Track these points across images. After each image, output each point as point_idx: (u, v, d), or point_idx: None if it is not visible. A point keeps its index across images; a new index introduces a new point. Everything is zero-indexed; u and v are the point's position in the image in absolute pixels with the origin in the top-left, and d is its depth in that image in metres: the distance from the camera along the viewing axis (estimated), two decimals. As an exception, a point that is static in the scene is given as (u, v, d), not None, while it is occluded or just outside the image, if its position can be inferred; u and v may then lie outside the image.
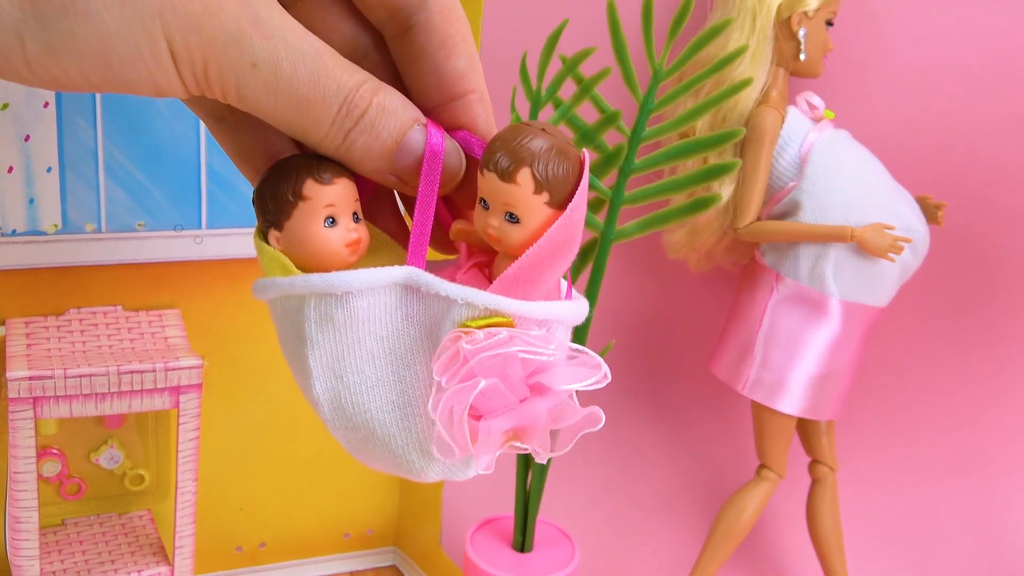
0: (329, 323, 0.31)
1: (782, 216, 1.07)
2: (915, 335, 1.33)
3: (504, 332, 0.30)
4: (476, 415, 0.30)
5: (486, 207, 0.31)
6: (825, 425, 1.15)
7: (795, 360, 1.08)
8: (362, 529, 1.22)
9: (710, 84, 1.04)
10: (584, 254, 1.02)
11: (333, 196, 0.31)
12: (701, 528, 1.21)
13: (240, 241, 1.06)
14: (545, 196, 0.30)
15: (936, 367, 1.34)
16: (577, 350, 0.31)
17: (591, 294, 1.01)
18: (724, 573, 1.27)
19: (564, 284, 0.34)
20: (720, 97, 0.96)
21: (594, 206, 1.01)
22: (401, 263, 0.32)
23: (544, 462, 0.33)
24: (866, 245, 1.00)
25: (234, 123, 0.35)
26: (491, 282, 0.32)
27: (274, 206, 0.32)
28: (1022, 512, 1.35)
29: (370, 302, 0.31)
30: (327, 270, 0.31)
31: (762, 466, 1.14)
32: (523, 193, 0.30)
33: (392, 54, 0.34)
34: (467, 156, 0.33)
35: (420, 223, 0.32)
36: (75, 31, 0.25)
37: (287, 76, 0.28)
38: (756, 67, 1.05)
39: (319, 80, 0.29)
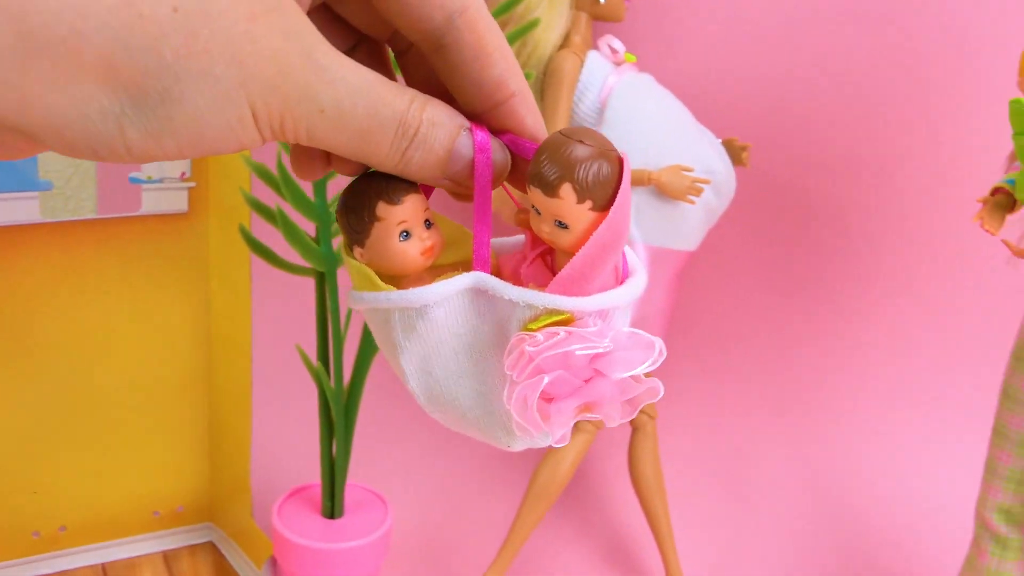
0: (413, 331, 0.35)
1: (586, 163, 1.05)
2: (728, 278, 1.34)
3: (562, 332, 0.33)
4: (548, 398, 0.34)
5: (538, 213, 0.34)
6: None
7: (606, 309, 1.07)
8: (172, 506, 1.17)
9: (506, 29, 1.01)
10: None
11: (403, 214, 0.35)
12: (522, 487, 1.19)
13: (6, 207, 0.98)
14: (588, 203, 0.33)
15: (751, 309, 1.36)
16: (633, 332, 0.34)
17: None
18: (549, 525, 1.27)
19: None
20: (509, 39, 0.93)
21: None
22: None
23: (615, 425, 0.34)
24: (664, 188, 0.99)
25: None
26: (554, 273, 0.35)
27: (354, 226, 0.35)
28: (842, 448, 1.39)
29: (446, 310, 0.35)
30: (407, 275, 0.36)
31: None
32: (567, 205, 0.33)
33: (433, 68, 0.36)
34: (515, 155, 0.36)
35: (480, 225, 0.35)
36: (172, 116, 0.29)
37: (349, 114, 0.32)
38: (554, 11, 1.01)
39: (376, 110, 0.32)
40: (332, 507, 1.05)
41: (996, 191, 0.91)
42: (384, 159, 0.33)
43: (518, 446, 0.36)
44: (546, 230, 0.33)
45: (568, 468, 1.11)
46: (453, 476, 1.35)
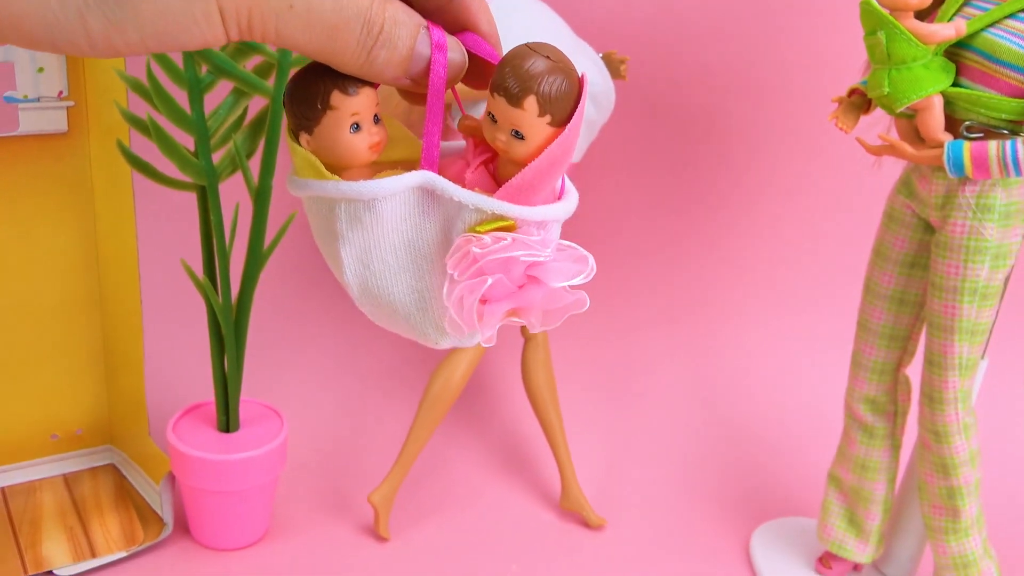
0: (358, 223, 0.35)
1: (467, 77, 1.06)
2: (613, 191, 1.37)
3: (508, 237, 0.34)
4: (482, 300, 0.35)
5: (494, 121, 0.35)
6: (533, 285, 1.18)
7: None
8: (71, 429, 1.17)
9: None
10: (257, 124, 0.99)
11: (357, 105, 0.35)
12: (417, 401, 1.22)
13: None
14: (548, 118, 0.34)
15: (636, 222, 1.39)
16: (567, 245, 0.36)
17: (268, 162, 0.98)
18: (445, 434, 1.30)
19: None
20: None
21: (263, 71, 0.98)
22: (416, 152, 0.36)
23: (536, 331, 0.36)
24: (540, 99, 1.01)
25: None
26: (496, 181, 0.36)
27: (305, 113, 0.35)
28: (727, 355, 1.44)
29: (393, 205, 0.35)
30: (351, 168, 0.36)
31: (471, 329, 1.16)
32: (529, 117, 0.34)
33: None
34: (472, 55, 0.36)
35: (431, 125, 0.35)
36: (137, 7, 0.29)
37: (318, 9, 0.31)
38: None
39: (342, 6, 0.32)
40: (227, 422, 1.06)
41: (852, 92, 0.96)
42: (351, 58, 0.33)
43: (445, 344, 0.38)
44: (501, 139, 0.35)
45: (461, 376, 1.14)
46: (348, 391, 1.38)
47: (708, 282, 1.42)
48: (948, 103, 0.87)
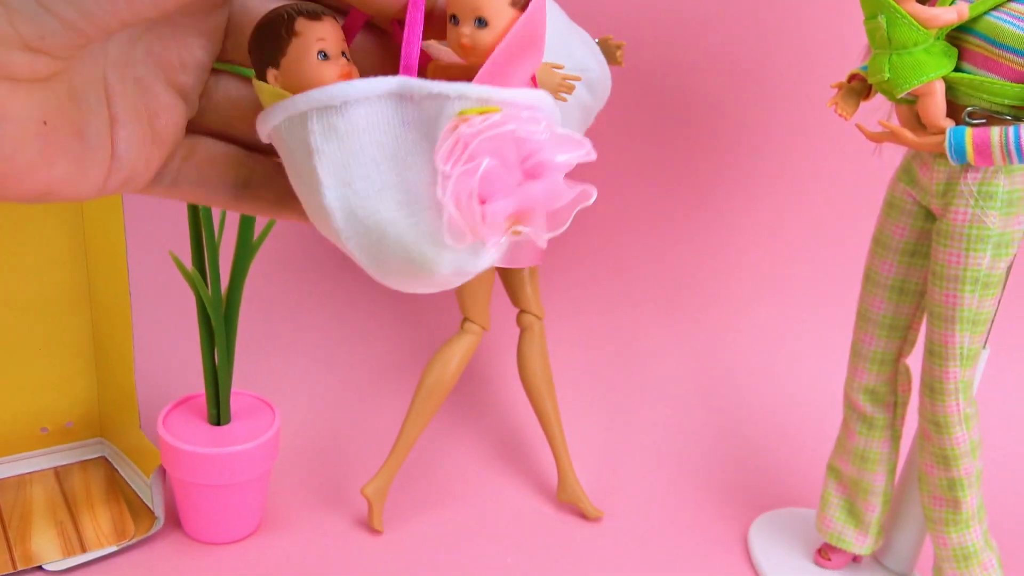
0: (333, 132, 0.33)
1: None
2: (609, 178, 1.35)
3: (498, 115, 0.32)
4: (481, 200, 0.32)
5: (456, 22, 0.33)
6: (528, 274, 1.16)
7: (487, 210, 1.07)
8: (61, 422, 1.16)
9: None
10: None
11: (323, 31, 0.33)
12: (411, 392, 1.21)
13: None
14: None
15: (632, 208, 1.38)
16: (562, 131, 0.34)
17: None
18: (440, 426, 1.29)
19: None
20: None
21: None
22: None
23: (544, 245, 0.33)
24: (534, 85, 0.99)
25: (262, 177, 0.36)
26: None
27: (270, 45, 0.33)
28: (725, 341, 1.43)
29: (367, 110, 0.33)
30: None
31: (465, 319, 1.14)
32: None
33: None
34: None
35: (410, 33, 0.34)
36: None
37: None
38: None
39: None
40: (218, 414, 1.05)
41: (852, 77, 0.94)
42: None
43: (446, 264, 0.34)
44: (466, 32, 0.33)
45: (456, 367, 1.13)
46: (342, 382, 1.36)
47: (707, 271, 1.41)
48: (950, 88, 0.85)
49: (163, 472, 1.07)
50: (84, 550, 1.01)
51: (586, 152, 0.33)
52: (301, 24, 0.33)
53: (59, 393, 1.15)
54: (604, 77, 1.07)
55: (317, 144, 0.33)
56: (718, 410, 1.38)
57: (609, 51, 1.10)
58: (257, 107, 0.36)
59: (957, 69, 0.85)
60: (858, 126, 0.92)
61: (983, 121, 0.85)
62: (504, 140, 0.32)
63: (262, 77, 0.34)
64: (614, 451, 1.30)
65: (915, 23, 0.81)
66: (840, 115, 0.92)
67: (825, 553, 1.10)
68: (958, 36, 0.85)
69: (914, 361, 1.02)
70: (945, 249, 0.91)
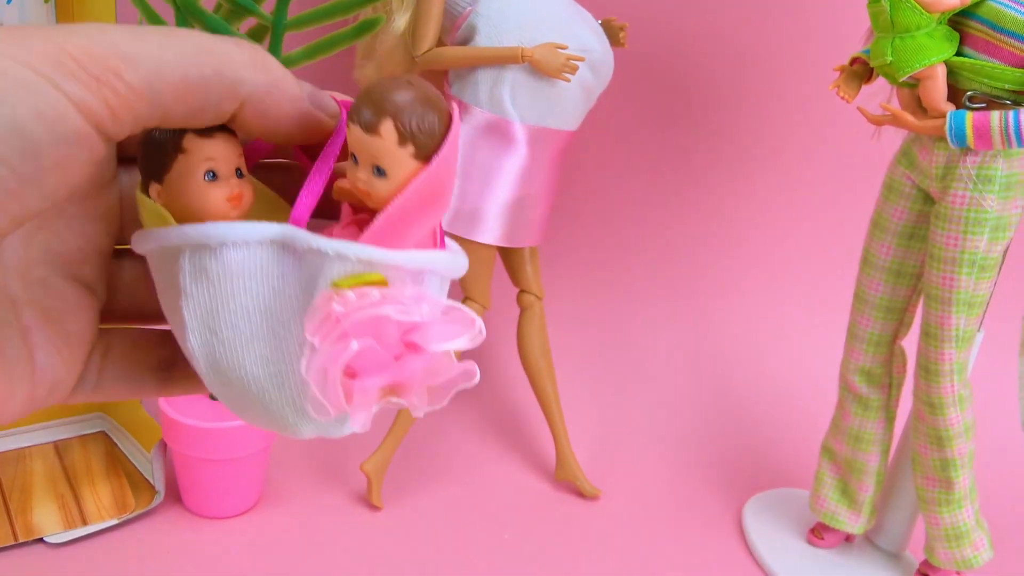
0: (203, 275, 0.30)
1: (464, 42, 1.05)
2: (611, 160, 1.36)
3: (376, 292, 0.29)
4: (351, 373, 0.29)
5: (356, 162, 0.31)
6: (528, 254, 1.17)
7: (488, 189, 1.08)
8: (61, 397, 1.16)
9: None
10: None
11: (213, 150, 0.30)
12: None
13: None
14: (410, 148, 0.30)
15: (634, 191, 1.38)
16: (451, 306, 0.31)
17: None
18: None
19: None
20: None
21: (257, 34, 0.96)
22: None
23: (421, 416, 0.31)
24: (538, 65, 1.00)
25: (183, 370, 0.32)
26: None
27: (155, 159, 0.30)
28: (723, 323, 1.44)
29: (244, 255, 0.30)
30: (200, 213, 0.31)
31: (465, 298, 1.15)
32: (387, 145, 0.30)
33: None
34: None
35: (315, 176, 0.31)
36: None
37: (150, 31, 0.25)
38: None
39: (176, 32, 0.26)
40: (219, 389, 1.06)
41: (854, 61, 0.94)
42: (239, 59, 0.27)
43: (307, 431, 0.32)
44: (362, 178, 0.31)
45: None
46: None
47: (705, 252, 1.42)
48: (951, 73, 0.86)
49: (163, 447, 1.08)
50: (85, 523, 1.02)
51: (472, 336, 0.31)
52: (190, 140, 0.30)
53: (59, 367, 1.15)
54: (607, 58, 1.08)
55: (185, 285, 0.30)
56: (715, 390, 1.39)
57: (612, 32, 1.10)
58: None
59: (958, 53, 0.86)
60: (859, 109, 0.93)
61: (983, 105, 0.86)
62: (382, 318, 0.29)
63: (145, 191, 0.31)
64: (612, 430, 1.31)
65: (918, 7, 0.82)
66: (842, 98, 0.92)
67: (818, 532, 1.12)
68: (960, 20, 0.85)
69: (909, 343, 1.03)
70: (943, 232, 0.92)
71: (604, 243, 1.40)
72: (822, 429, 1.14)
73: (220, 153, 0.31)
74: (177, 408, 1.03)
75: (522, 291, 1.18)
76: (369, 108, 0.30)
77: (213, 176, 0.31)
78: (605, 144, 1.33)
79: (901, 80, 0.87)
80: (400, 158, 0.30)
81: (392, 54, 1.07)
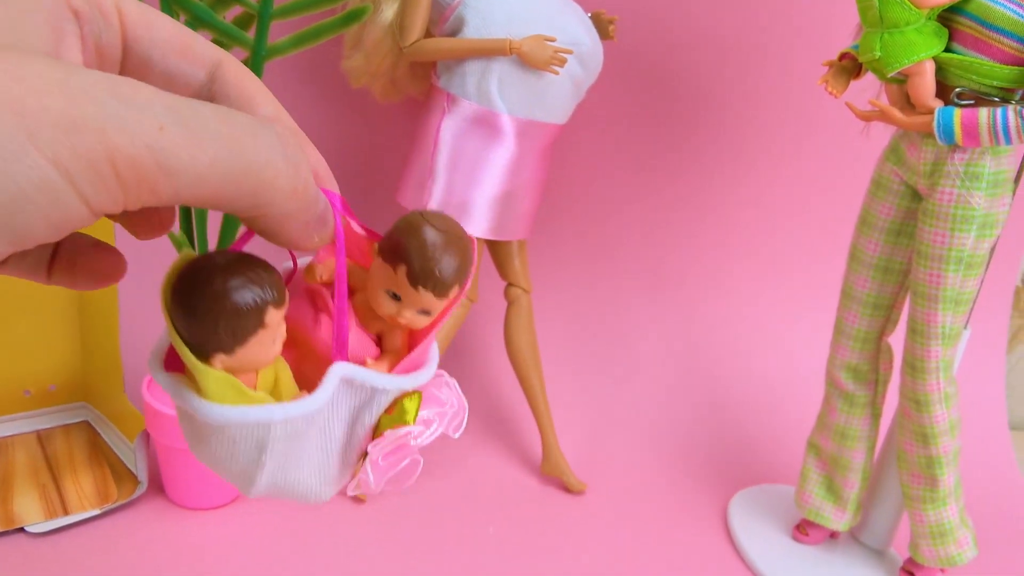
0: (294, 434, 0.32)
1: (452, 34, 1.04)
2: (600, 153, 1.36)
3: (435, 421, 0.37)
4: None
5: (397, 299, 0.34)
6: (516, 247, 1.16)
7: (476, 181, 1.07)
8: (44, 385, 1.16)
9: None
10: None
11: (283, 315, 0.31)
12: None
13: None
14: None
15: (623, 185, 1.38)
16: (444, 410, 0.38)
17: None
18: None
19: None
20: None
21: (243, 22, 0.95)
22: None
23: (372, 491, 0.37)
24: (526, 57, 0.99)
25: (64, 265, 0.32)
26: (377, 342, 0.36)
27: (230, 333, 0.29)
28: (710, 318, 1.44)
29: (326, 412, 0.34)
30: (258, 369, 0.32)
31: (452, 290, 1.14)
32: (444, 301, 0.35)
33: None
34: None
35: (339, 310, 0.33)
36: None
37: (197, 120, 0.23)
38: None
39: (226, 114, 0.24)
40: (203, 379, 1.05)
41: (843, 56, 0.94)
42: (278, 179, 0.25)
43: (325, 500, 0.37)
44: (408, 315, 0.35)
45: (443, 339, 1.13)
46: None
47: (693, 247, 1.41)
48: (940, 69, 0.86)
49: (146, 437, 1.07)
50: (66, 512, 1.01)
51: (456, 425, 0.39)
52: (271, 315, 0.30)
53: (43, 356, 1.14)
54: (596, 51, 1.08)
55: (272, 445, 0.31)
56: (701, 386, 1.39)
57: (602, 25, 1.10)
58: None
59: (947, 50, 0.85)
60: (848, 104, 0.92)
61: (971, 102, 0.85)
62: (408, 447, 0.36)
63: (204, 358, 0.30)
64: (598, 425, 1.31)
65: (907, 2, 0.82)
66: (830, 93, 0.92)
67: (803, 529, 1.12)
68: (949, 17, 0.85)
69: (896, 340, 1.03)
70: (930, 229, 0.91)
71: (592, 237, 1.39)
72: (808, 425, 1.14)
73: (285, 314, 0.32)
74: (160, 398, 1.02)
75: (510, 284, 1.18)
76: (440, 280, 0.34)
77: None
78: (594, 138, 1.33)
79: (890, 76, 0.86)
80: (440, 304, 0.35)
81: (380, 44, 1.06)
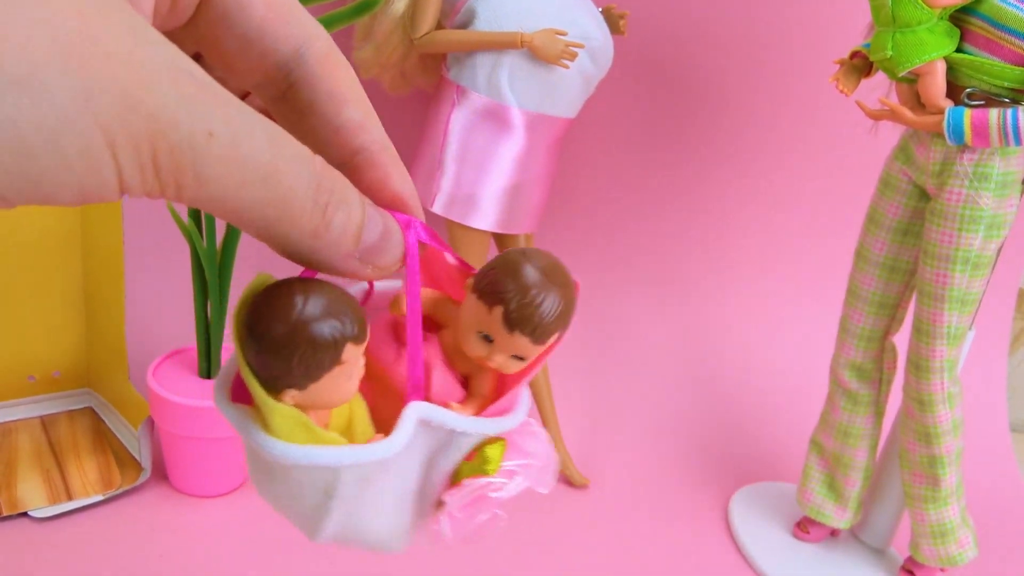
0: (364, 480, 0.30)
1: (463, 26, 1.04)
2: (609, 148, 1.36)
3: (519, 473, 0.33)
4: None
5: (490, 341, 0.32)
6: (523, 241, 1.16)
7: (485, 174, 1.07)
8: (48, 371, 1.16)
9: None
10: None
11: (362, 352, 0.29)
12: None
13: None
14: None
15: (630, 180, 1.38)
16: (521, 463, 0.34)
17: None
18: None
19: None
20: None
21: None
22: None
23: (448, 538, 0.34)
24: (537, 51, 0.99)
25: None
26: (461, 381, 0.34)
27: (303, 368, 0.28)
28: (715, 316, 1.44)
29: (400, 459, 0.31)
30: (332, 407, 0.30)
31: (459, 284, 1.14)
32: (543, 348, 0.32)
33: (277, 120, 0.28)
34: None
35: (413, 339, 0.30)
36: None
37: (247, 142, 0.22)
38: None
39: (278, 144, 0.23)
40: (208, 367, 1.05)
41: (854, 55, 0.94)
42: (301, 218, 0.25)
43: (398, 551, 0.34)
44: (499, 360, 0.32)
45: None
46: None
47: (700, 244, 1.42)
48: (951, 69, 0.86)
49: (151, 424, 1.07)
50: (70, 498, 1.01)
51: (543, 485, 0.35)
52: (349, 351, 0.28)
53: (47, 342, 1.14)
54: (607, 46, 1.08)
55: (342, 491, 0.30)
56: (705, 383, 1.39)
57: (612, 20, 1.10)
58: None
59: (959, 50, 0.85)
60: (858, 103, 0.92)
61: (982, 103, 0.86)
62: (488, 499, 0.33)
63: (274, 393, 0.29)
64: (602, 420, 1.31)
65: (920, 2, 0.82)
66: (841, 91, 0.92)
67: (804, 526, 1.12)
68: (961, 17, 0.85)
69: (901, 339, 1.03)
70: (938, 228, 0.92)
71: (599, 232, 1.39)
72: (811, 423, 1.14)
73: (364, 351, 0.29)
74: (165, 385, 1.02)
75: (515, 279, 1.17)
76: (541, 325, 0.31)
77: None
78: (603, 132, 1.33)
79: (900, 75, 0.87)
80: (536, 350, 0.32)
81: (391, 36, 1.06)
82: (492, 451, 0.33)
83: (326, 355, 0.28)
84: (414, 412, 0.30)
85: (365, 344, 0.29)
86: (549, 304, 0.31)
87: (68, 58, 0.20)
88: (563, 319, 0.32)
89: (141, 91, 0.21)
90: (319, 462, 0.29)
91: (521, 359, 0.32)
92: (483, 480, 0.32)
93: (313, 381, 0.28)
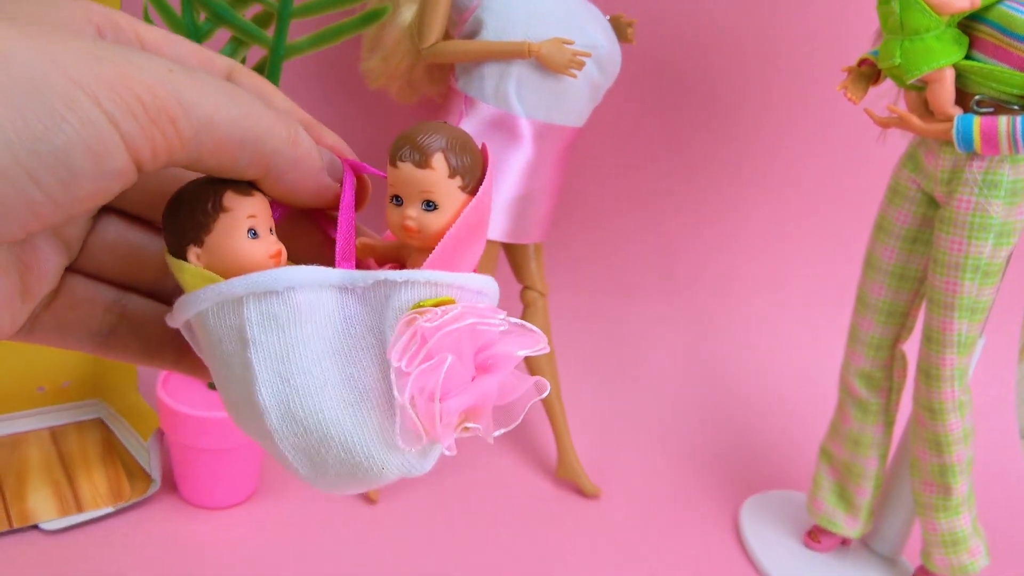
0: (272, 321, 0.30)
1: (470, 36, 1.04)
2: (617, 156, 1.36)
3: (457, 307, 0.30)
4: (433, 397, 0.30)
5: (400, 203, 0.32)
6: (533, 250, 1.16)
7: (493, 184, 1.07)
8: (57, 382, 1.16)
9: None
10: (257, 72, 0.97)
11: (253, 207, 0.31)
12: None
13: None
14: (458, 180, 0.31)
15: (639, 188, 1.38)
16: (515, 322, 0.32)
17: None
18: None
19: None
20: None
21: (263, 20, 0.96)
22: None
23: (491, 441, 0.32)
24: (545, 60, 0.99)
25: (130, 326, 0.33)
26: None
27: (193, 221, 0.30)
28: (725, 322, 1.44)
29: (311, 298, 0.30)
30: (243, 269, 0.31)
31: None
32: (439, 177, 0.31)
33: None
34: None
35: (344, 220, 0.32)
36: None
37: (202, 72, 0.27)
38: None
39: (226, 80, 0.28)
40: (217, 378, 1.05)
41: (862, 62, 0.94)
42: (278, 128, 0.29)
43: (393, 468, 0.31)
44: (412, 216, 0.31)
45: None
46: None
47: (709, 251, 1.41)
48: (959, 76, 0.86)
49: (160, 435, 1.07)
50: (80, 510, 1.01)
51: (541, 346, 0.31)
52: (230, 199, 0.30)
53: (56, 353, 1.14)
54: (614, 54, 1.08)
55: (253, 334, 0.30)
56: (716, 390, 1.39)
57: (620, 28, 1.10)
58: (137, 250, 0.33)
59: (967, 57, 0.85)
60: (866, 111, 0.92)
61: (991, 110, 0.85)
62: (463, 334, 0.30)
63: (180, 255, 0.31)
64: (613, 429, 1.31)
65: (928, 9, 0.82)
66: (849, 99, 0.92)
67: (815, 535, 1.12)
68: (970, 24, 0.85)
69: (910, 347, 1.03)
70: (947, 236, 0.91)
71: (608, 240, 1.39)
72: (821, 431, 1.14)
73: (259, 210, 0.31)
74: (175, 396, 1.03)
75: (526, 287, 1.18)
76: (417, 145, 0.31)
77: (255, 234, 0.31)
78: (611, 141, 1.33)
79: (909, 82, 0.86)
80: (450, 190, 0.31)
81: (398, 46, 1.06)
82: (436, 300, 0.31)
83: (206, 198, 0.30)
84: (333, 270, 0.31)
85: (256, 200, 0.30)
86: (433, 136, 0.31)
87: (32, 38, 0.23)
88: (452, 151, 0.31)
89: (99, 51, 0.24)
90: (212, 297, 0.30)
91: (433, 207, 0.31)
92: (412, 312, 0.30)
93: (205, 232, 0.30)
